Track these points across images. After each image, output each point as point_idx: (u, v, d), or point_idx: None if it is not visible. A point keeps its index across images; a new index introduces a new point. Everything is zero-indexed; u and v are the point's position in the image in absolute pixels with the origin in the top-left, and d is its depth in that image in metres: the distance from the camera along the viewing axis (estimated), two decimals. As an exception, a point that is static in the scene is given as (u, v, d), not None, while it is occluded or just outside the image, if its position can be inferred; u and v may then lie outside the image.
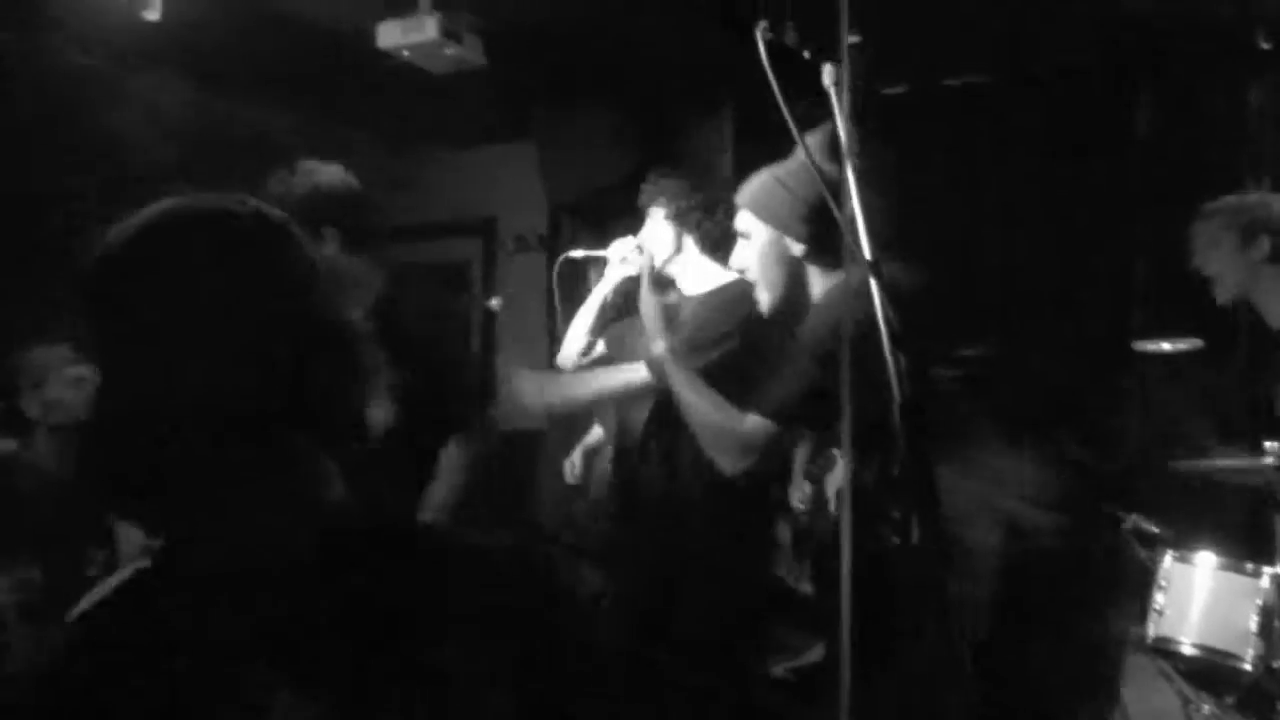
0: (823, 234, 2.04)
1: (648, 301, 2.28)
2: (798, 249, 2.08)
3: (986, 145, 4.45)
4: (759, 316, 2.20)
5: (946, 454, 1.84)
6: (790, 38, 1.82)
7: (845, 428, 1.42)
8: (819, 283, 2.09)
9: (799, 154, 2.12)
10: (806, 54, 1.84)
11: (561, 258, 3.02)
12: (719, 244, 2.81)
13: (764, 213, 2.11)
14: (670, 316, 2.27)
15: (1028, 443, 1.93)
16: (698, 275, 2.78)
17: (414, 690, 0.85)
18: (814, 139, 2.13)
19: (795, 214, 2.07)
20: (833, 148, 2.08)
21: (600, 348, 2.93)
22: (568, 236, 4.86)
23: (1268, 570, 2.58)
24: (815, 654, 1.92)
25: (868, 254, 1.63)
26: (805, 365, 1.94)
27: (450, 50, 3.26)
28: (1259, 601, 2.56)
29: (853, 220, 1.55)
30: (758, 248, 2.12)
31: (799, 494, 2.58)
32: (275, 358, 0.88)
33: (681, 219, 2.80)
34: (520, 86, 4.28)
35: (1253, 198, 3.08)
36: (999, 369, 1.91)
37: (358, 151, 5.10)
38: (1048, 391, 2.07)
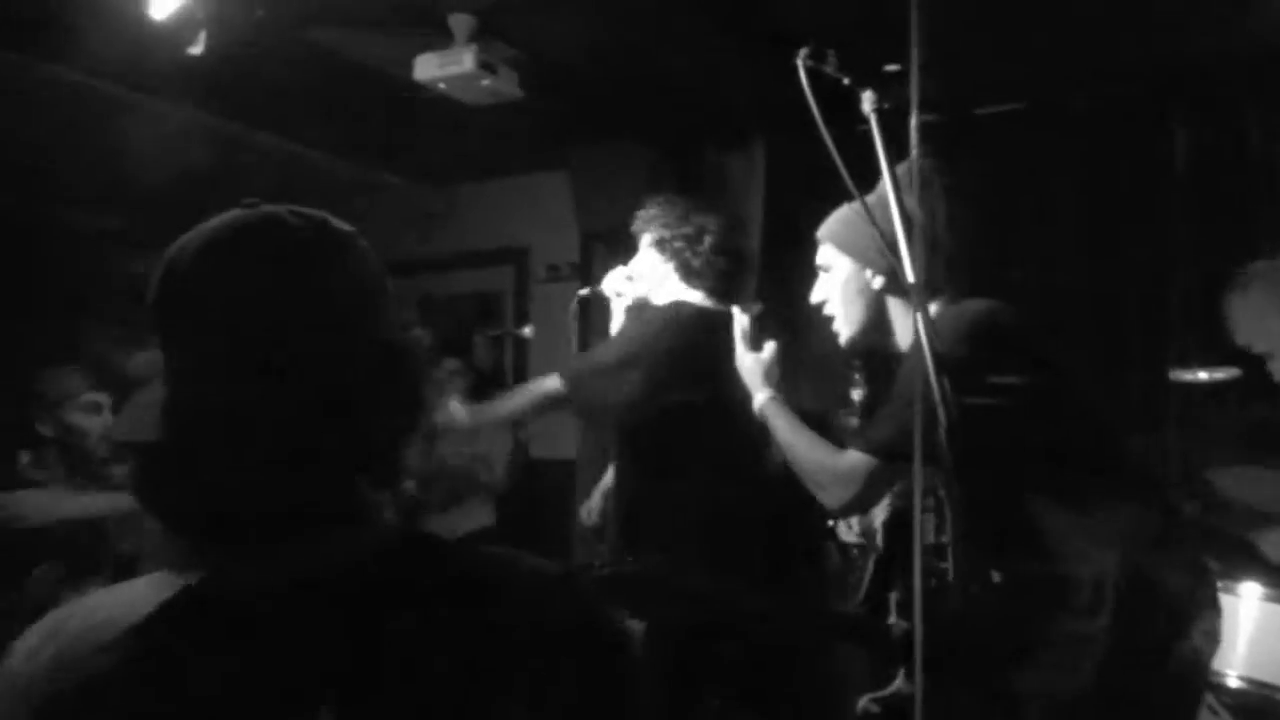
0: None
1: (742, 356, 2.33)
2: (878, 282, 2.08)
3: (1022, 176, 4.45)
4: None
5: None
6: (831, 65, 1.84)
7: (916, 463, 1.43)
8: (900, 316, 2.09)
9: (880, 188, 2.16)
10: (847, 81, 1.87)
11: (577, 296, 3.12)
12: (699, 273, 2.83)
13: (845, 245, 2.11)
14: (767, 369, 2.32)
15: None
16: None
17: None
18: (897, 176, 2.16)
19: (877, 246, 2.05)
20: (912, 183, 2.12)
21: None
22: (600, 266, 4.90)
23: (1315, 601, 2.53)
24: (900, 684, 1.90)
25: (910, 276, 1.63)
26: (904, 403, 1.94)
27: (486, 82, 3.30)
28: (1308, 634, 2.51)
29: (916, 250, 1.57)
30: (839, 281, 2.11)
31: (845, 525, 2.57)
32: (337, 379, 0.85)
33: (663, 247, 2.84)
34: (555, 119, 4.33)
35: None
36: (1048, 399, 1.89)
37: (394, 185, 5.24)
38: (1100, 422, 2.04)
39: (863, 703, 1.83)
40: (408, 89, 3.50)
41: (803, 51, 1.80)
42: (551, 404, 2.89)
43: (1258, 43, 3.82)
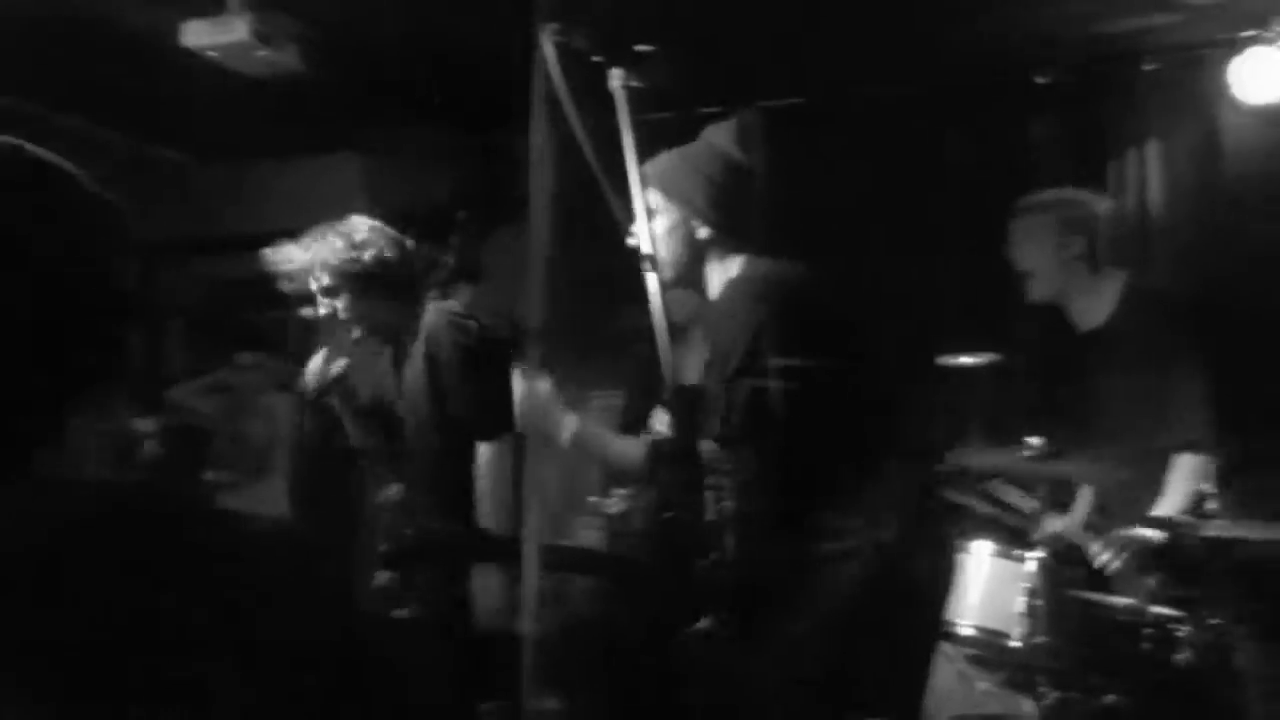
0: (729, 217, 2.12)
1: (535, 388, 2.35)
2: (703, 232, 2.13)
3: (804, 168, 4.66)
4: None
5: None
6: (579, 42, 1.90)
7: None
8: (717, 269, 2.15)
9: (705, 137, 2.21)
10: (596, 58, 1.93)
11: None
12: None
13: (672, 193, 2.14)
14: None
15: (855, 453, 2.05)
16: None
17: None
18: (722, 127, 2.22)
19: (704, 196, 2.12)
20: (740, 136, 2.18)
21: None
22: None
23: (1031, 555, 2.78)
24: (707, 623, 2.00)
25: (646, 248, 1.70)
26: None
27: (262, 53, 3.22)
28: (1026, 584, 2.76)
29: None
30: (663, 227, 2.13)
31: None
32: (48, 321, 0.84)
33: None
34: (345, 98, 4.27)
35: (1069, 193, 3.15)
36: (829, 382, 2.00)
37: (179, 162, 5.02)
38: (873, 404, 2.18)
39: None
40: (187, 60, 3.39)
41: (550, 27, 1.83)
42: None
43: (1007, 47, 4.16)
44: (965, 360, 3.56)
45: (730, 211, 2.13)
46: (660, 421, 2.29)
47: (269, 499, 4.19)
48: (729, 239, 2.14)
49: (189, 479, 3.93)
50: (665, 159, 2.18)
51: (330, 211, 5.06)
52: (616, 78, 1.92)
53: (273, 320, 4.85)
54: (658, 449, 1.90)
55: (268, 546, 0.88)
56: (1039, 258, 3.02)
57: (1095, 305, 2.98)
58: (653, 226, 2.13)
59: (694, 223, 2.14)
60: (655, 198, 2.15)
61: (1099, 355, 2.99)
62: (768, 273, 2.10)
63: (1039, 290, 3.05)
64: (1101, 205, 3.12)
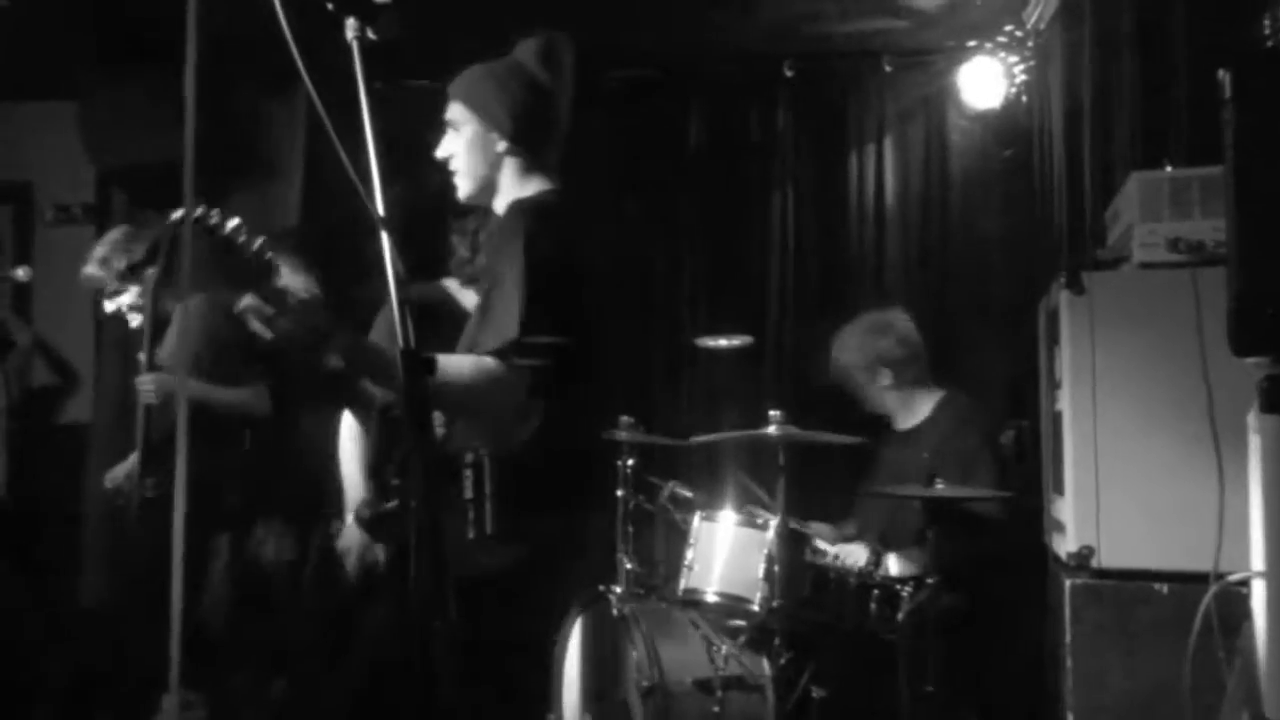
0: (528, 133, 2.15)
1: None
2: (502, 145, 2.16)
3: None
4: None
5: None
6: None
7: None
8: (509, 182, 2.17)
9: (515, 54, 2.21)
10: (330, 6, 1.83)
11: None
12: None
13: (475, 104, 2.17)
14: None
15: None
16: None
17: None
18: (529, 46, 2.20)
19: (506, 110, 2.14)
20: (546, 57, 2.18)
21: None
22: (119, 211, 4.47)
23: (771, 522, 2.90)
24: (391, 505, 1.92)
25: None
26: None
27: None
28: (766, 551, 2.88)
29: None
30: (465, 138, 2.17)
31: None
32: None
33: None
34: (59, 37, 3.87)
35: (874, 325, 3.47)
36: (572, 360, 1.99)
37: None
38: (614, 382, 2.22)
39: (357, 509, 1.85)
40: None
41: (282, -28, 1.73)
42: None
43: (752, 43, 4.32)
44: (722, 342, 3.63)
45: (527, 126, 2.16)
46: None
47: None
48: (524, 154, 2.18)
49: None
50: (471, 72, 2.23)
51: (51, 163, 4.64)
52: (351, 29, 1.83)
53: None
54: (385, 414, 1.84)
55: None
56: (859, 391, 3.47)
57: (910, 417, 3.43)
58: (455, 137, 2.17)
59: (492, 135, 2.18)
60: (459, 109, 2.19)
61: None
62: (550, 201, 2.11)
63: (869, 407, 3.48)
64: (901, 328, 3.46)
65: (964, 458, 3.12)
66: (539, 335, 1.86)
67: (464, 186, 2.21)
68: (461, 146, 2.19)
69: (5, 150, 4.59)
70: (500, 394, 1.92)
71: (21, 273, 3.54)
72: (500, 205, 2.19)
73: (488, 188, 2.20)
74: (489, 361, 1.92)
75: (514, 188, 2.18)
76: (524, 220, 2.06)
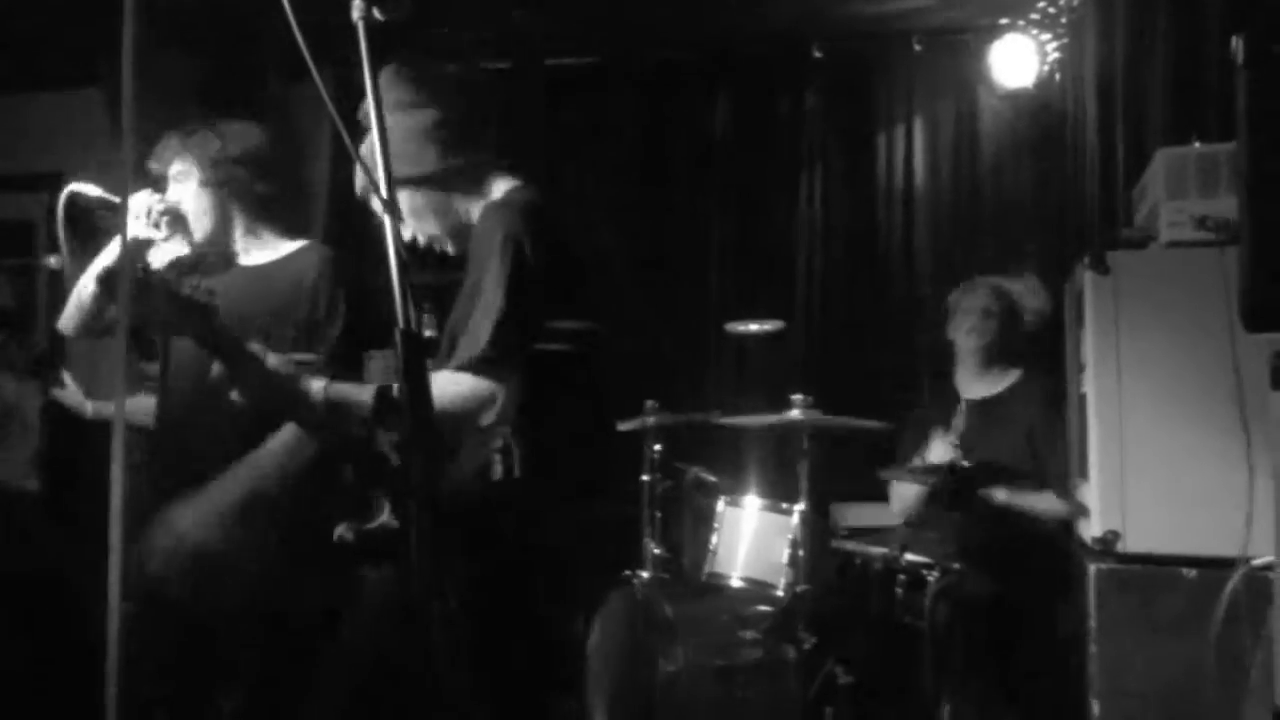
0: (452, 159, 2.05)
1: None
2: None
3: (585, 129, 4.65)
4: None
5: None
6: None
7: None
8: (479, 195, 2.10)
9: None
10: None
11: (66, 191, 2.43)
12: (270, 208, 2.53)
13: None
14: None
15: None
16: (260, 248, 2.51)
17: None
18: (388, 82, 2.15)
19: (432, 158, 2.02)
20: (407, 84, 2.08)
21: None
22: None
23: (796, 508, 2.88)
24: (384, 518, 1.90)
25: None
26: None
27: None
28: (790, 536, 2.86)
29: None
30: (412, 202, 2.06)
31: None
32: None
33: (222, 184, 2.46)
34: (85, 23, 3.90)
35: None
36: (597, 345, 1.99)
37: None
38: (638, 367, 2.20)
39: (340, 530, 1.83)
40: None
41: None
42: None
43: (780, 22, 4.28)
44: (753, 326, 3.62)
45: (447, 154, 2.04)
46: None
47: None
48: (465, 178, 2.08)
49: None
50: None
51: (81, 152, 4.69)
52: (357, 9, 1.81)
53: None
54: (382, 395, 1.80)
55: None
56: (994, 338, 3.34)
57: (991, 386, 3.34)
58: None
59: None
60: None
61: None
62: (528, 197, 2.06)
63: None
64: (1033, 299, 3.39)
65: (1052, 440, 3.07)
66: (513, 345, 1.85)
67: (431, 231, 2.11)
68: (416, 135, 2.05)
69: (41, 139, 4.66)
70: (464, 406, 1.89)
71: (54, 261, 3.57)
72: (474, 215, 2.10)
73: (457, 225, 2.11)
74: (455, 375, 1.87)
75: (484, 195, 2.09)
76: (504, 216, 1.98)
